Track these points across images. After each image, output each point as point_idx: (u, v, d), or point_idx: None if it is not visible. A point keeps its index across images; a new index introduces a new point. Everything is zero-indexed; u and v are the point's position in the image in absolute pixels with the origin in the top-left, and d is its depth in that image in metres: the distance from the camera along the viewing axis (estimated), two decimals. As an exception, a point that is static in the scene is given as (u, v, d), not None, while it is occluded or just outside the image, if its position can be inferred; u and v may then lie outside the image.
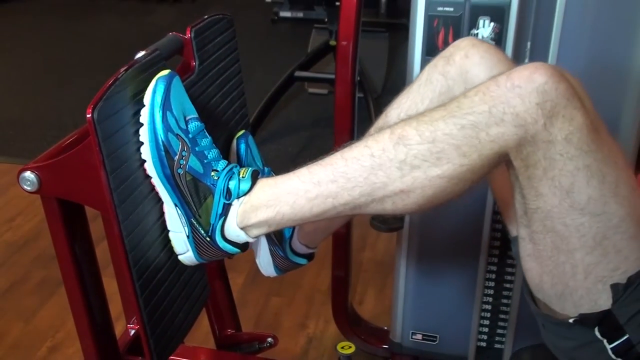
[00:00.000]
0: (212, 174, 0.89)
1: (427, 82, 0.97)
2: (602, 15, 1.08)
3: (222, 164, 0.91)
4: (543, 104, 0.74)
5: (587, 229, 0.79)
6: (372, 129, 1.01)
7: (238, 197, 0.89)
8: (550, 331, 0.91)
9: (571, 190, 0.77)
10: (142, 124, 0.87)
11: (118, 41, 3.95)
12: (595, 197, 0.77)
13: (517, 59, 1.12)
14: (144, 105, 0.87)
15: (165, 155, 0.87)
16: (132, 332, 1.26)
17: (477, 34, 1.11)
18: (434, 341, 1.40)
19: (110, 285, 1.10)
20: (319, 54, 3.05)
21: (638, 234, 0.80)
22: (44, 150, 0.91)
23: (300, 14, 4.17)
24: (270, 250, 1.03)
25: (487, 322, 1.35)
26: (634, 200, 0.79)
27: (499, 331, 1.36)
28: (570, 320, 0.85)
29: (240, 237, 0.90)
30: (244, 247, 0.93)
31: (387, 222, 1.31)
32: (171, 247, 0.95)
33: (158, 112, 0.86)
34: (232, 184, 0.89)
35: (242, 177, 0.89)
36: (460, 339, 1.38)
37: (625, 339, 0.82)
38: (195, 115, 0.92)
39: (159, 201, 0.92)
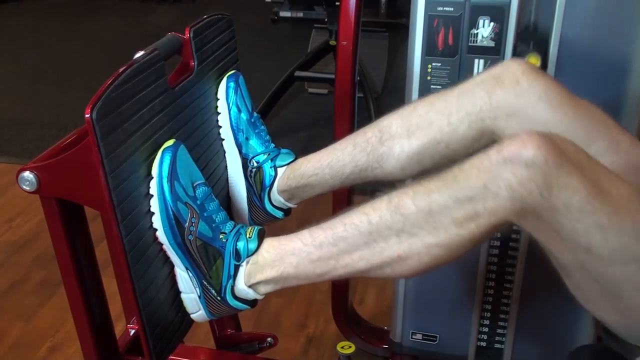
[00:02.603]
0: (221, 236, 0.92)
1: (469, 94, 0.94)
2: (602, 15, 1.07)
3: (229, 225, 0.94)
4: (534, 177, 0.73)
5: (623, 276, 0.77)
6: (395, 116, 1.01)
7: (247, 257, 0.92)
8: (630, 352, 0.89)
9: (590, 247, 0.75)
10: (151, 194, 0.90)
11: (118, 41, 3.95)
12: (618, 247, 0.75)
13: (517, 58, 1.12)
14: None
15: (175, 224, 0.90)
16: (132, 332, 1.26)
17: (477, 33, 1.11)
18: (434, 341, 1.40)
19: (110, 285, 1.10)
20: (319, 54, 3.05)
21: None
22: (43, 150, 0.91)
23: (300, 14, 4.17)
24: (247, 199, 1.07)
25: (487, 322, 1.35)
26: None
27: (499, 331, 1.36)
28: None
29: (249, 294, 0.93)
30: (254, 303, 0.96)
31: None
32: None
33: (166, 183, 0.89)
34: (241, 245, 0.92)
35: (249, 237, 0.92)
36: (460, 339, 1.38)
37: None
38: (202, 180, 0.95)
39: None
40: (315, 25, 3.47)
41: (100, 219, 1.04)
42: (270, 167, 1.09)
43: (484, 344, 1.38)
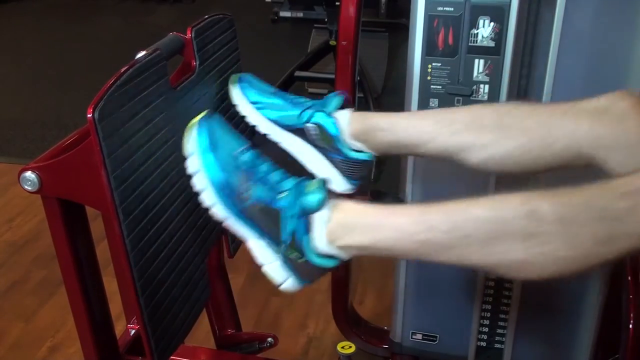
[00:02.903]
0: (281, 196, 0.87)
1: (574, 118, 0.89)
2: (603, 15, 1.08)
3: (289, 182, 0.89)
4: None
5: None
6: (498, 106, 0.96)
7: (314, 210, 0.85)
8: None
9: None
10: (197, 171, 0.87)
11: (118, 41, 3.95)
12: None
13: (517, 58, 1.12)
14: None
15: (228, 195, 0.87)
16: (132, 332, 1.26)
17: (477, 33, 1.11)
18: (434, 341, 1.40)
19: (110, 285, 1.10)
20: (319, 54, 3.05)
21: None
22: (44, 150, 0.91)
23: (300, 14, 4.17)
24: (329, 161, 1.04)
25: (487, 322, 1.36)
26: None
27: (499, 331, 1.36)
28: None
29: (334, 252, 0.86)
30: (341, 260, 0.88)
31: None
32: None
33: (209, 155, 0.87)
34: (306, 200, 0.85)
35: (312, 189, 0.86)
36: (460, 339, 1.38)
37: None
38: (246, 145, 0.91)
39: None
40: (315, 25, 3.47)
41: (101, 219, 1.04)
42: (327, 116, 1.03)
43: (484, 344, 1.38)
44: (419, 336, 1.41)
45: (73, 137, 0.94)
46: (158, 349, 0.95)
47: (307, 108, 1.05)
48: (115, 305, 1.15)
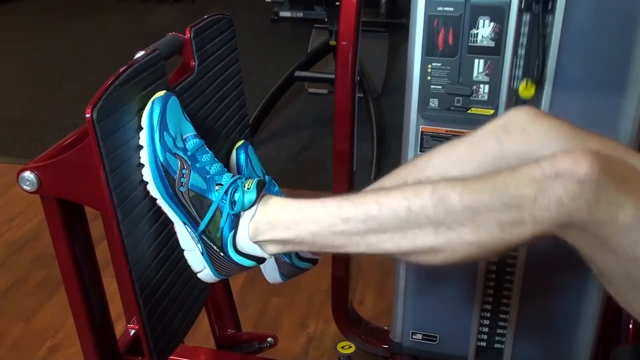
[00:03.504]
0: (217, 188, 0.90)
1: (480, 145, 0.95)
2: (603, 15, 1.07)
3: (226, 177, 0.91)
4: (585, 194, 0.74)
5: None
6: (410, 167, 0.99)
7: (244, 209, 0.89)
8: None
9: (637, 257, 0.75)
10: (141, 146, 0.88)
11: (118, 41, 3.95)
12: None
13: (517, 58, 1.12)
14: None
15: (165, 175, 0.88)
16: (132, 332, 1.26)
17: (477, 33, 1.11)
18: (434, 341, 1.40)
19: (110, 285, 1.10)
20: (319, 54, 3.05)
21: None
22: (43, 150, 0.91)
23: (300, 14, 4.17)
24: (275, 258, 1.03)
25: (487, 322, 1.35)
26: None
27: (499, 331, 1.36)
28: None
29: (256, 251, 0.90)
30: (260, 260, 0.93)
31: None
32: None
33: (156, 134, 0.87)
34: (237, 196, 0.89)
35: (247, 188, 0.89)
36: (460, 339, 1.38)
37: None
38: (193, 132, 0.93)
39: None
40: (315, 25, 3.47)
41: (101, 219, 1.04)
42: None
43: (484, 344, 1.38)
44: (419, 336, 1.41)
45: (72, 137, 0.94)
46: (157, 348, 0.95)
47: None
48: (115, 305, 1.15)
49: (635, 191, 0.76)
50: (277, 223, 0.88)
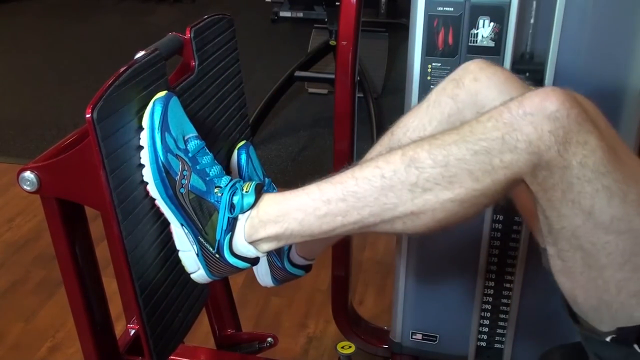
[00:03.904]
0: (216, 190, 0.90)
1: (436, 104, 0.96)
2: (602, 16, 1.08)
3: (224, 180, 0.91)
4: (555, 131, 0.73)
5: (613, 247, 0.78)
6: (377, 147, 1.00)
7: (242, 212, 0.89)
8: (592, 345, 0.90)
9: (592, 212, 0.76)
10: (142, 146, 0.88)
11: (118, 41, 3.95)
12: (619, 216, 0.76)
13: (517, 58, 1.12)
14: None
15: (166, 176, 0.88)
16: (132, 332, 1.26)
17: (477, 33, 1.11)
18: (434, 341, 1.40)
19: (110, 285, 1.10)
20: (319, 54, 3.05)
21: None
22: (44, 150, 0.91)
23: (300, 14, 4.17)
24: (268, 261, 1.04)
25: (487, 322, 1.35)
26: None
27: (499, 331, 1.36)
28: (608, 339, 0.84)
29: (250, 252, 0.90)
30: (254, 261, 0.93)
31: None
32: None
33: (157, 134, 0.87)
34: (236, 199, 0.89)
35: (246, 191, 0.90)
36: (460, 339, 1.38)
37: None
38: (195, 134, 0.93)
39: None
40: (315, 25, 3.47)
41: (100, 219, 1.04)
42: None
43: (484, 344, 1.38)
44: (419, 336, 1.41)
45: (72, 137, 0.94)
46: (157, 348, 0.95)
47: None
48: (115, 305, 1.15)
49: (607, 138, 0.75)
50: (267, 219, 0.88)
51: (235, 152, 1.11)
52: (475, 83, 0.92)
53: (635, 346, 0.83)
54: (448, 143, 0.79)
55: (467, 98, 0.93)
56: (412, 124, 0.98)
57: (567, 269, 0.84)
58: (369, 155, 1.00)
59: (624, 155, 0.78)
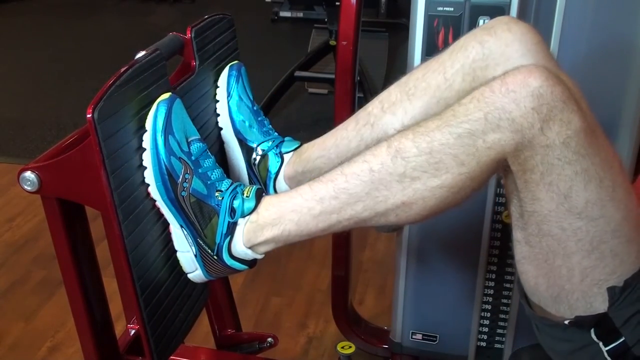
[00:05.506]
0: (217, 194, 0.90)
1: (462, 49, 0.93)
2: (602, 16, 1.08)
3: (225, 183, 0.92)
4: (539, 108, 0.73)
5: (584, 233, 0.78)
6: (394, 88, 0.99)
7: (243, 216, 0.89)
8: (546, 334, 0.91)
9: (569, 195, 0.76)
10: (143, 147, 0.88)
11: (118, 41, 3.95)
12: (593, 200, 0.77)
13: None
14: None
15: (168, 179, 0.88)
16: (132, 332, 1.26)
17: (477, 34, 1.11)
18: (434, 341, 1.40)
19: (110, 285, 1.10)
20: (319, 54, 3.05)
21: (634, 238, 0.80)
22: (44, 150, 0.91)
23: (300, 14, 4.17)
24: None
25: (487, 322, 1.36)
26: (631, 204, 0.79)
27: (499, 331, 1.36)
28: (566, 322, 0.85)
29: (248, 255, 0.91)
30: (252, 263, 0.93)
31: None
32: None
33: (160, 137, 0.87)
34: (237, 203, 0.89)
35: (246, 196, 0.90)
36: (460, 339, 1.38)
37: (622, 342, 0.82)
38: (198, 136, 0.93)
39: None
40: (315, 25, 3.47)
41: (101, 219, 1.04)
42: (276, 154, 1.06)
43: (484, 344, 1.38)
44: (419, 336, 1.41)
45: (72, 137, 0.94)
46: (157, 349, 0.95)
47: (267, 140, 1.07)
48: (115, 305, 1.15)
49: (589, 120, 0.75)
50: (264, 222, 0.89)
51: (227, 68, 1.10)
52: (508, 33, 0.90)
53: (592, 333, 0.83)
54: (431, 129, 0.79)
55: (496, 47, 0.90)
56: (433, 65, 0.96)
57: (532, 256, 0.84)
58: (380, 94, 1.00)
59: (603, 139, 0.78)
